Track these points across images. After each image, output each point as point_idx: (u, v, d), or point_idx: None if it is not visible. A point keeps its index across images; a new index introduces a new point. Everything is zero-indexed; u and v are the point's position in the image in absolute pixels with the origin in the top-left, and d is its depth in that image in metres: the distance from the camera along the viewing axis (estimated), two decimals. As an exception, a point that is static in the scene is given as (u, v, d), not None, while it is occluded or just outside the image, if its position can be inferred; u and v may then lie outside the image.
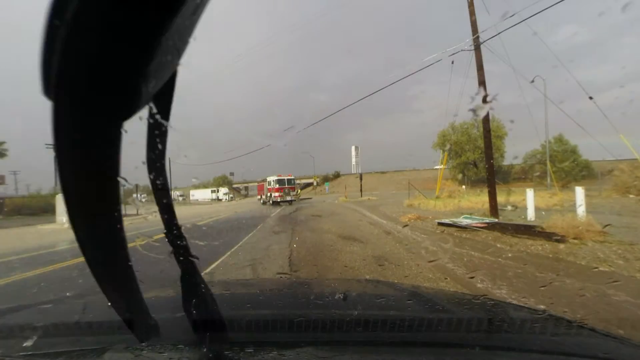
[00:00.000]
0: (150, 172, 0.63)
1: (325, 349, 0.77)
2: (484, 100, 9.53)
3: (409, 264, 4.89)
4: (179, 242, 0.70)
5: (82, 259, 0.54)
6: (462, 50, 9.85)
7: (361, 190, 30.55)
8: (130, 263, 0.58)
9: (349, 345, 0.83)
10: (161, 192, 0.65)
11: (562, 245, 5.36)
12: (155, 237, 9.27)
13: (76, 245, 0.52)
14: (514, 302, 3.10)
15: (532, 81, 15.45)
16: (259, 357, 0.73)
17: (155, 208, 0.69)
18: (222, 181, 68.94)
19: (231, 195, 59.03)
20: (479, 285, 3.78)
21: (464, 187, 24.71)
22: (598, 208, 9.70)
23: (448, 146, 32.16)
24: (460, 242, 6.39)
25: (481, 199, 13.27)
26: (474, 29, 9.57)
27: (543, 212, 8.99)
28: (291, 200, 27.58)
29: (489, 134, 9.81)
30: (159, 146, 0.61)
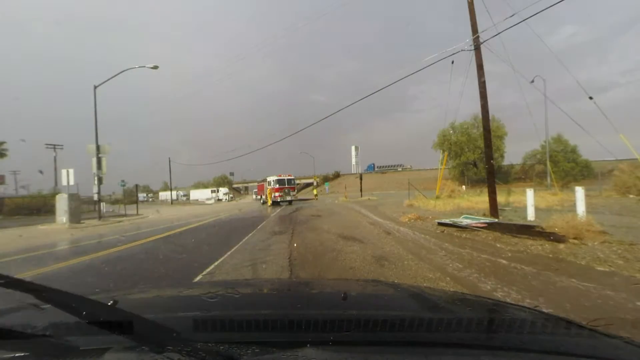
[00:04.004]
0: None
1: (325, 349, 0.78)
2: (484, 100, 9.54)
3: (409, 264, 4.89)
4: None
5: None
6: (462, 50, 9.86)
7: (361, 190, 30.54)
8: None
9: (349, 345, 0.83)
10: None
11: (562, 245, 5.36)
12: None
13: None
14: (514, 302, 3.10)
15: (532, 81, 15.47)
16: (259, 357, 0.73)
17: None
18: (222, 181, 69.03)
19: (231, 195, 59.09)
20: (479, 285, 3.78)
21: (464, 187, 24.71)
22: (598, 208, 9.71)
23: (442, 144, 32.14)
24: (461, 242, 6.39)
25: (481, 199, 13.28)
26: (474, 29, 9.57)
27: (543, 212, 8.99)
28: (291, 200, 27.59)
29: (489, 134, 9.81)
30: None
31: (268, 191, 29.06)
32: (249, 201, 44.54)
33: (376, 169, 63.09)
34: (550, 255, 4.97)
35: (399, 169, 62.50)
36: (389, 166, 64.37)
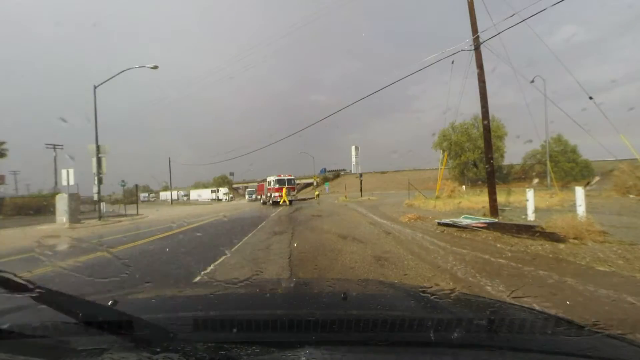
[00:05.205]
0: None
1: (325, 349, 0.78)
2: (484, 100, 9.54)
3: (409, 264, 4.89)
4: None
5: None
6: (462, 50, 9.86)
7: (361, 190, 30.56)
8: None
9: (349, 345, 0.83)
10: None
11: (562, 245, 5.36)
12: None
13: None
14: (514, 302, 3.10)
15: (532, 81, 15.48)
16: (259, 357, 0.73)
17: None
18: (222, 181, 69.04)
19: (231, 196, 59.09)
20: (479, 285, 3.77)
21: (464, 187, 24.72)
22: (598, 208, 9.71)
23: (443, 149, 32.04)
24: (460, 242, 6.39)
25: (481, 199, 13.28)
26: (474, 29, 9.57)
27: (543, 212, 8.99)
28: (291, 201, 27.61)
29: (488, 134, 9.81)
30: None
31: (268, 191, 29.03)
32: (243, 201, 44.51)
33: (327, 172, 68.72)
34: (551, 256, 4.97)
35: (342, 173, 69.45)
36: (335, 170, 70.22)
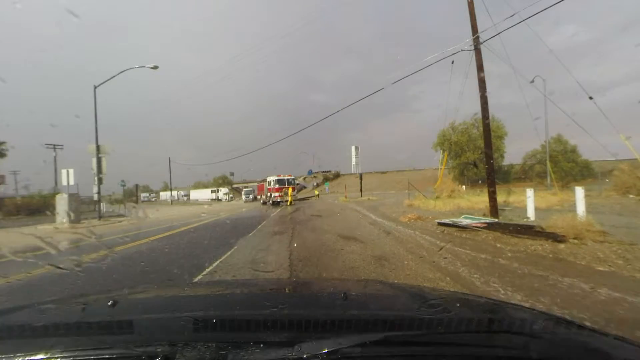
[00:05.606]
0: None
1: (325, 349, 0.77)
2: (484, 100, 9.54)
3: (409, 264, 4.89)
4: None
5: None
6: (462, 50, 9.86)
7: (361, 190, 30.54)
8: None
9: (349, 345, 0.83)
10: None
11: (562, 245, 5.36)
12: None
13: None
14: (514, 302, 3.10)
15: (532, 81, 15.46)
16: (259, 357, 0.73)
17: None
18: (222, 181, 69.02)
19: (231, 196, 59.11)
20: (479, 285, 3.78)
21: (463, 187, 24.71)
22: (598, 208, 9.71)
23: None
24: (461, 242, 6.39)
25: (481, 199, 13.27)
26: (474, 29, 9.56)
27: (543, 212, 8.99)
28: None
29: (489, 134, 9.81)
30: None
31: (268, 191, 29.10)
32: (241, 202, 44.44)
33: (314, 172, 67.81)
34: (551, 255, 4.97)
35: (330, 174, 69.01)
36: (325, 171, 70.05)
